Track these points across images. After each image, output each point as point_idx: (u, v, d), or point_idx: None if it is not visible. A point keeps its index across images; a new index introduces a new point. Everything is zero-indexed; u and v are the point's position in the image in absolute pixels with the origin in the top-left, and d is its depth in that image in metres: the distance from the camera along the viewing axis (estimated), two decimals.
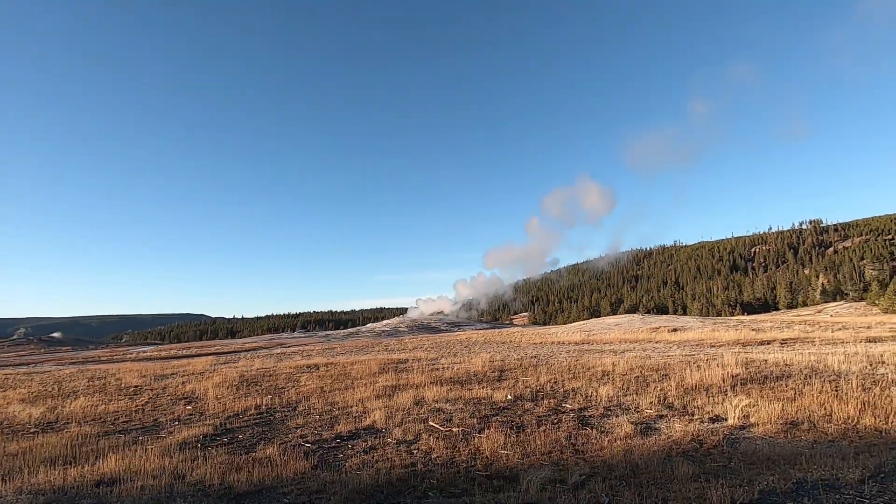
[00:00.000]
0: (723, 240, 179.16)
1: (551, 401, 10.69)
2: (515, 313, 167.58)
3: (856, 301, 71.98)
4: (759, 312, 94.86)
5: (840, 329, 28.62)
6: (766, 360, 15.09)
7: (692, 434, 7.51)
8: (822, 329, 28.87)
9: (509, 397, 11.20)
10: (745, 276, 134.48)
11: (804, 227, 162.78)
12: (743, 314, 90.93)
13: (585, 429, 8.21)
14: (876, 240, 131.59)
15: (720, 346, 21.63)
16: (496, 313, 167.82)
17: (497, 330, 50.99)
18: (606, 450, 6.95)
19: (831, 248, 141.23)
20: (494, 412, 9.80)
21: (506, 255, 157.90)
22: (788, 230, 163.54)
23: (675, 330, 31.97)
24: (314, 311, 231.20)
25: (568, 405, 10.24)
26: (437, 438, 7.86)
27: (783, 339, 23.18)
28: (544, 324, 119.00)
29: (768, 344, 21.98)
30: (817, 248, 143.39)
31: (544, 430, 8.06)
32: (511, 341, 31.74)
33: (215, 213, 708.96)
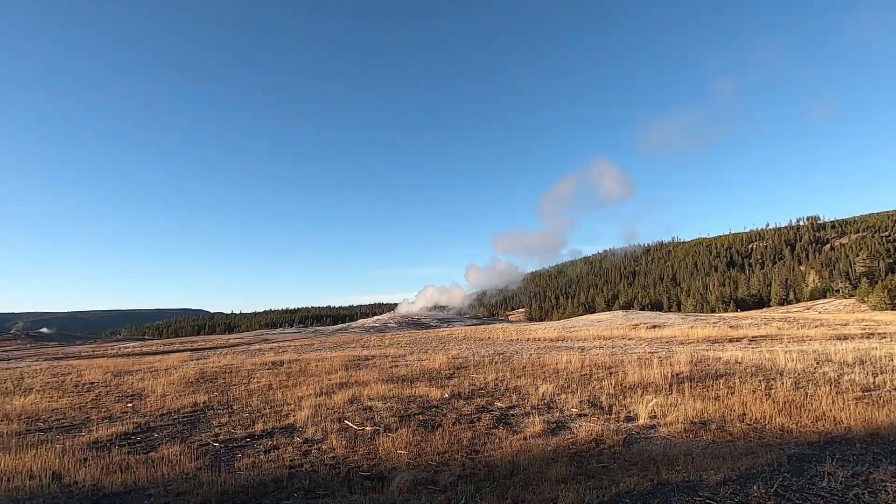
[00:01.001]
0: (720, 236, 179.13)
1: (484, 399, 10.67)
2: (513, 309, 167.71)
3: (847, 298, 71.93)
4: (753, 309, 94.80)
5: (816, 326, 28.57)
6: (719, 358, 15.07)
7: (596, 434, 7.48)
8: (799, 326, 28.81)
9: (445, 395, 11.17)
10: (741, 272, 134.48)
11: (801, 223, 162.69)
12: (737, 311, 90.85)
13: (498, 428, 8.17)
14: (873, 236, 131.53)
15: (689, 343, 21.58)
16: (494, 308, 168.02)
17: (484, 326, 50.93)
18: (501, 450, 6.92)
19: (828, 245, 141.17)
20: (421, 410, 9.77)
21: (516, 240, 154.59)
22: (786, 227, 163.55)
23: (654, 327, 31.91)
24: (313, 307, 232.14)
25: (499, 404, 10.20)
26: (344, 438, 7.84)
27: (753, 336, 23.12)
28: (540, 319, 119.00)
29: (738, 341, 21.92)
30: (814, 245, 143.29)
31: (455, 430, 8.02)
32: (489, 338, 31.69)
33: (216, 208, 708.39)
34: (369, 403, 10.65)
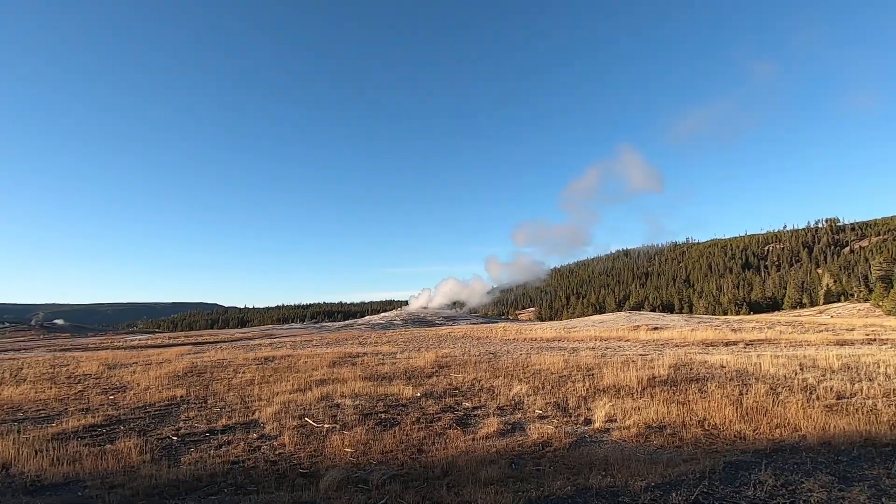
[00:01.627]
0: (736, 237, 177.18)
1: (454, 399, 10.73)
2: (523, 308, 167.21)
3: (862, 302, 70.81)
4: (767, 312, 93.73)
5: (820, 331, 28.21)
6: (705, 362, 14.97)
7: (547, 436, 7.49)
8: (802, 331, 28.48)
9: (417, 394, 11.23)
10: (756, 274, 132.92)
11: (820, 225, 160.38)
12: (749, 313, 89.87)
13: (454, 428, 8.20)
14: (894, 240, 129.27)
15: (683, 346, 21.44)
16: (506, 307, 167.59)
17: (487, 325, 50.97)
18: (446, 450, 6.95)
19: (847, 248, 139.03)
20: (386, 409, 9.83)
21: (537, 233, 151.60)
22: (804, 228, 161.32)
23: (655, 329, 31.72)
24: (325, 303, 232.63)
25: (467, 403, 10.24)
26: (299, 435, 7.91)
27: (750, 340, 22.90)
28: (549, 319, 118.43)
29: (734, 344, 21.74)
30: (832, 248, 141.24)
31: (410, 430, 8.08)
32: (487, 337, 31.74)
33: (233, 204, 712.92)
34: (339, 401, 10.74)
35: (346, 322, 68.78)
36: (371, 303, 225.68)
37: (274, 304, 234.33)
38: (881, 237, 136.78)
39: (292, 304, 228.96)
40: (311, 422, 8.77)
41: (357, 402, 10.43)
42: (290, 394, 11.70)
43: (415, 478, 5.78)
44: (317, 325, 65.16)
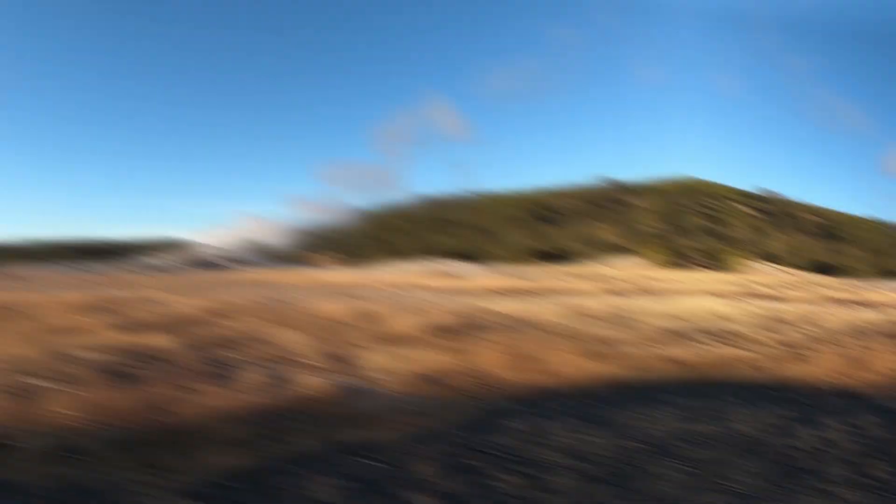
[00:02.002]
0: (534, 190, 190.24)
1: (219, 350, 10.08)
2: (325, 252, 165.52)
3: (638, 257, 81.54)
4: (557, 263, 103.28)
5: (597, 282, 31.83)
6: (490, 310, 15.90)
7: (314, 389, 7.33)
8: (583, 281, 31.88)
9: (176, 346, 10.33)
10: (550, 227, 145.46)
11: (605, 183, 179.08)
12: (542, 264, 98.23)
13: (209, 384, 7.66)
14: (667, 200, 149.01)
15: (473, 294, 22.73)
16: (305, 251, 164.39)
17: (281, 270, 50.01)
18: (195, 409, 6.44)
19: (626, 205, 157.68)
20: (136, 363, 8.89)
21: (343, 171, 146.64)
22: (591, 186, 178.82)
23: (451, 276, 33.45)
24: (92, 238, 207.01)
25: (232, 355, 9.68)
26: (19, 396, 6.77)
27: (536, 290, 25.07)
28: (350, 265, 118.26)
29: (521, 293, 23.55)
30: (616, 205, 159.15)
31: (157, 386, 7.35)
32: (277, 282, 30.92)
33: None
34: (81, 354, 9.54)
35: (117, 262, 62.61)
36: (151, 241, 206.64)
37: (19, 237, 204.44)
38: (655, 196, 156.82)
39: (48, 239, 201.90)
40: (34, 381, 7.63)
41: (103, 356, 9.31)
42: (17, 348, 10.11)
43: (146, 442, 5.22)
44: (77, 265, 58.38)
